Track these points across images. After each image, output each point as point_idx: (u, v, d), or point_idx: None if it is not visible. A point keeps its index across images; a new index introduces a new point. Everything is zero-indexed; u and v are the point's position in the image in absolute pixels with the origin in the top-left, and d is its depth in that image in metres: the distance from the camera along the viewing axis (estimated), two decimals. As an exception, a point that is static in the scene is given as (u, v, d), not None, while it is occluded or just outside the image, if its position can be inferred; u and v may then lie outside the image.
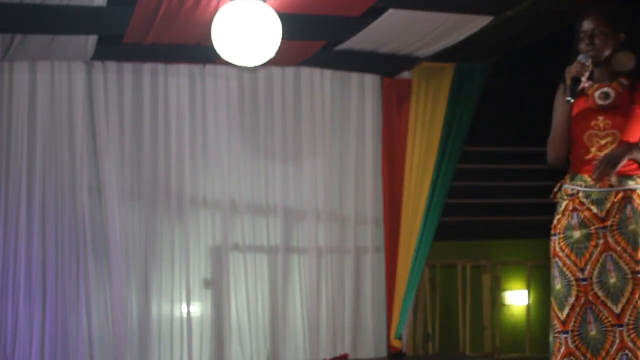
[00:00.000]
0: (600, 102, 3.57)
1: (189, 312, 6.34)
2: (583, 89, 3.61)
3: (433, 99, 6.54)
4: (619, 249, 3.48)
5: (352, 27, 5.72)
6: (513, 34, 5.90)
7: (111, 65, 6.30)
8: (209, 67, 6.45)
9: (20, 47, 5.75)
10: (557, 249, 3.58)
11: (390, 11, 5.37)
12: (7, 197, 6.07)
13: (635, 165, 3.53)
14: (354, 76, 6.78)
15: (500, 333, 7.38)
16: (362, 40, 5.94)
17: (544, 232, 9.63)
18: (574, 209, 3.56)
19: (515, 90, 10.27)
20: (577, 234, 3.54)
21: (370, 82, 6.80)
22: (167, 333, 6.31)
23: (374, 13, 5.43)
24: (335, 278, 6.67)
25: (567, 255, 3.54)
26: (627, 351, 3.44)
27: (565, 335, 3.51)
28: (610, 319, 3.46)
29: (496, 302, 7.48)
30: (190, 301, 6.35)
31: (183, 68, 6.43)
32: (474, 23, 5.57)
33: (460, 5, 5.32)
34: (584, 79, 3.55)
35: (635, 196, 3.52)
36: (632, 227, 3.50)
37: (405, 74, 6.66)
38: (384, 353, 6.67)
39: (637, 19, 3.68)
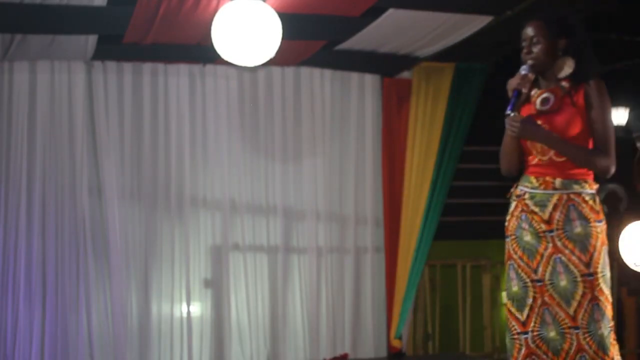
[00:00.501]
0: (540, 107, 3.56)
1: (189, 312, 6.34)
2: (529, 96, 3.60)
3: (433, 99, 6.54)
4: (567, 252, 3.46)
5: (352, 27, 5.72)
6: (513, 34, 5.90)
7: (111, 65, 6.30)
8: (209, 67, 6.45)
9: (20, 47, 5.75)
10: (511, 251, 3.58)
11: (390, 11, 5.37)
12: (7, 197, 6.07)
13: (581, 170, 3.52)
14: (354, 76, 6.78)
15: (500, 333, 7.37)
16: (362, 40, 5.94)
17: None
18: (522, 211, 3.57)
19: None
20: (527, 236, 3.53)
21: (370, 82, 6.80)
22: (167, 333, 6.31)
23: (374, 13, 5.43)
24: (335, 278, 6.67)
25: (520, 257, 3.54)
26: (584, 354, 3.43)
27: (525, 336, 3.49)
28: (567, 320, 3.45)
29: (496, 302, 7.48)
30: (190, 301, 6.35)
31: (183, 68, 6.43)
32: (474, 23, 5.57)
33: (460, 5, 5.33)
34: (524, 90, 3.54)
35: (580, 200, 3.50)
36: (577, 230, 3.48)
37: (405, 74, 6.66)
38: (384, 353, 6.67)
39: (579, 24, 3.67)
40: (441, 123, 6.50)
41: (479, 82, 6.52)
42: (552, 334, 3.46)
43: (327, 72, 6.72)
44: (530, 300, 3.49)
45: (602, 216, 3.53)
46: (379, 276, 6.74)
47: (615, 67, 10.17)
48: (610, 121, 3.55)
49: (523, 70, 3.58)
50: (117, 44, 5.84)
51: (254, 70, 6.45)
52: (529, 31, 3.63)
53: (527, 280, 3.50)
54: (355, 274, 6.71)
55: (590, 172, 3.54)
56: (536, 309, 3.49)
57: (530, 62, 3.58)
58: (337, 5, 5.29)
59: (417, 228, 6.52)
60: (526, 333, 3.50)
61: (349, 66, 6.66)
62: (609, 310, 3.47)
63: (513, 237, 3.59)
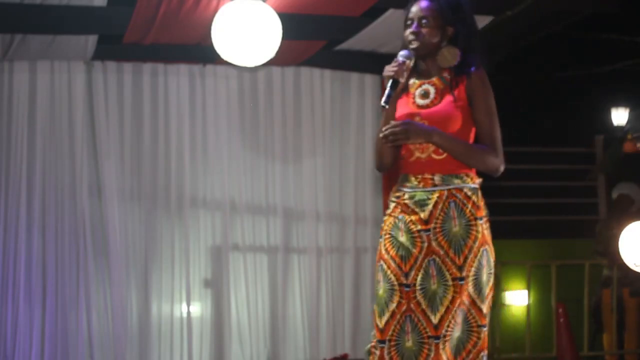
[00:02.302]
0: (419, 101, 3.27)
1: (189, 312, 6.34)
2: (407, 86, 3.31)
3: (433, 99, 6.53)
4: (442, 252, 3.19)
5: (352, 27, 5.72)
6: (513, 34, 5.91)
7: (111, 65, 6.30)
8: (209, 67, 6.45)
9: (20, 47, 5.75)
10: (383, 251, 3.25)
11: (390, 11, 5.37)
12: (7, 197, 6.07)
13: (461, 164, 3.24)
14: (354, 76, 6.78)
15: (500, 333, 7.38)
16: (362, 40, 5.94)
17: (544, 232, 9.65)
18: (401, 211, 3.25)
19: (515, 90, 10.28)
20: (402, 237, 3.22)
21: (370, 82, 6.80)
22: (167, 333, 6.31)
23: (374, 13, 5.43)
24: (335, 278, 6.67)
25: (392, 258, 3.22)
26: None
27: (382, 345, 3.22)
28: (427, 329, 3.17)
29: (496, 302, 7.48)
30: (190, 301, 6.35)
31: (183, 68, 6.43)
32: (474, 23, 5.56)
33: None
34: (402, 80, 3.23)
35: (461, 195, 3.22)
36: (455, 229, 3.21)
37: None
38: (384, 353, 6.66)
39: (471, 13, 3.35)
40: (441, 123, 6.49)
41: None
42: (409, 344, 3.19)
43: (327, 72, 6.72)
44: (393, 306, 3.20)
45: (484, 212, 3.30)
46: (379, 276, 6.74)
47: (615, 67, 10.18)
48: (496, 116, 3.30)
49: (402, 56, 3.26)
50: (117, 44, 5.84)
51: (254, 70, 6.45)
52: (419, 10, 3.31)
53: (395, 283, 3.20)
54: (355, 274, 6.71)
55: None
56: (397, 316, 3.20)
57: (415, 44, 3.28)
58: (337, 5, 5.29)
59: (417, 228, 6.51)
60: (383, 342, 3.23)
61: (349, 66, 6.66)
62: (481, 318, 3.24)
63: (388, 236, 3.26)
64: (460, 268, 3.21)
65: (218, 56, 5.00)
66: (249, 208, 6.55)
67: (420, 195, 3.25)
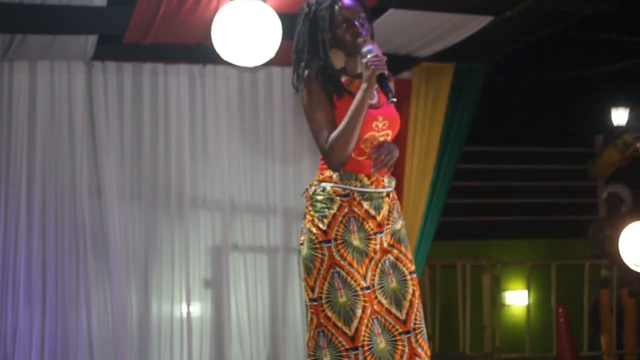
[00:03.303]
0: (369, 101, 3.21)
1: (189, 312, 6.33)
2: (343, 88, 3.23)
3: (433, 99, 6.54)
4: (395, 250, 3.24)
5: (352, 27, 5.70)
6: (513, 34, 5.91)
7: (111, 65, 6.29)
8: (209, 67, 6.45)
9: (20, 47, 5.75)
10: (338, 257, 3.16)
11: (390, 11, 5.37)
12: (7, 197, 6.06)
13: None
14: (354, 76, 6.77)
15: (500, 333, 7.38)
16: (362, 40, 5.93)
17: (544, 232, 9.64)
18: (350, 212, 3.20)
19: (515, 90, 10.28)
20: (356, 240, 3.18)
21: (370, 82, 6.79)
22: (167, 333, 6.31)
23: (374, 13, 5.41)
24: (335, 278, 6.66)
25: (349, 263, 3.15)
26: (417, 358, 3.20)
27: (355, 352, 3.13)
28: (397, 327, 3.20)
29: (496, 302, 7.48)
30: (190, 301, 6.35)
31: (183, 68, 6.42)
32: (474, 23, 5.57)
33: (460, 5, 5.33)
34: (387, 72, 3.19)
35: (396, 196, 3.32)
36: (398, 227, 3.27)
37: (405, 74, 6.66)
38: (384, 353, 6.66)
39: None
40: (441, 123, 6.50)
41: (479, 82, 6.52)
42: (382, 345, 3.18)
43: (327, 72, 6.71)
44: (359, 312, 3.14)
45: None
46: (379, 276, 6.74)
47: (615, 67, 10.18)
48: None
49: (373, 51, 3.16)
50: (117, 44, 5.84)
51: (254, 70, 6.45)
52: (356, 7, 3.25)
53: (357, 288, 3.15)
54: (355, 274, 6.71)
55: None
56: (365, 320, 3.16)
57: (369, 40, 3.22)
58: (337, 5, 5.28)
59: (417, 228, 6.52)
60: (356, 349, 3.14)
61: (349, 66, 6.65)
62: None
63: (340, 241, 3.18)
64: (411, 262, 3.28)
65: (218, 56, 5.00)
66: (248, 208, 6.55)
67: (375, 197, 3.23)
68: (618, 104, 10.22)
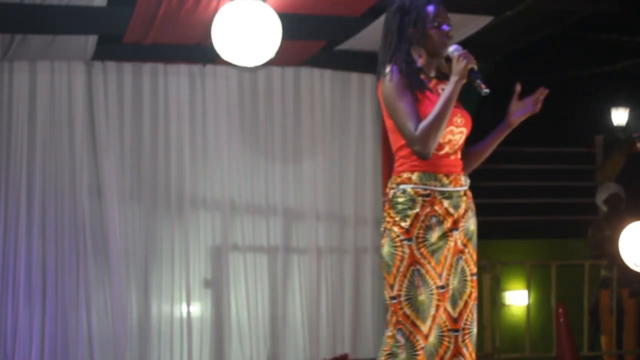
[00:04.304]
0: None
1: (189, 312, 6.34)
2: (425, 86, 3.31)
3: (433, 99, 6.53)
4: (466, 250, 3.28)
5: (352, 27, 5.72)
6: (513, 34, 5.91)
7: (111, 65, 6.30)
8: (209, 67, 6.45)
9: (20, 47, 5.75)
10: (418, 255, 3.19)
11: (391, 11, 5.36)
12: (7, 198, 6.07)
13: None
14: (354, 76, 6.78)
15: (500, 333, 7.37)
16: (362, 40, 5.94)
17: (544, 232, 9.63)
18: (432, 211, 3.22)
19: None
20: (435, 239, 3.21)
21: (370, 82, 6.79)
22: (167, 333, 6.31)
23: (374, 13, 5.43)
24: (335, 278, 6.67)
25: (428, 262, 3.20)
26: (461, 357, 3.24)
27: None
28: (447, 323, 3.25)
29: (496, 302, 7.48)
30: (190, 301, 6.35)
31: (183, 68, 6.43)
32: (474, 23, 5.57)
33: (460, 5, 5.32)
34: (476, 67, 3.28)
35: (470, 194, 3.33)
36: (472, 227, 3.31)
37: (406, 74, 6.65)
38: (384, 353, 6.66)
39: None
40: (441, 123, 6.49)
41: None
42: (431, 339, 3.24)
43: (327, 73, 6.72)
44: (433, 310, 3.20)
45: None
46: (379, 276, 6.73)
47: (615, 67, 10.17)
48: None
49: (458, 49, 3.31)
50: (117, 44, 5.85)
51: (254, 70, 6.45)
52: (445, 12, 3.38)
53: (434, 287, 3.20)
54: (355, 274, 6.71)
55: None
56: (437, 319, 3.22)
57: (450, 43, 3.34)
58: (337, 5, 5.29)
59: (417, 228, 6.51)
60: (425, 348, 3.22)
61: (349, 66, 6.66)
62: None
63: (421, 240, 3.21)
64: (475, 264, 3.32)
65: (218, 56, 5.00)
66: (248, 208, 6.55)
67: (454, 196, 3.27)
68: (618, 104, 10.21)
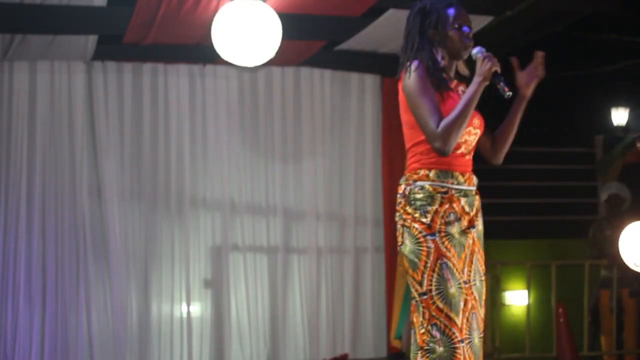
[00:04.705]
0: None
1: (189, 312, 6.34)
2: (448, 85, 3.34)
3: (433, 99, 6.53)
4: (477, 249, 3.29)
5: (352, 27, 5.72)
6: (513, 34, 5.91)
7: (111, 65, 6.30)
8: (209, 67, 6.46)
9: (20, 47, 5.75)
10: (443, 249, 3.18)
11: (390, 11, 5.37)
12: (7, 197, 6.07)
13: None
14: (354, 76, 6.78)
15: (500, 333, 7.37)
16: (362, 40, 5.94)
17: (544, 232, 9.63)
18: (450, 208, 3.22)
19: (515, 90, 10.27)
20: (456, 234, 3.22)
21: (370, 82, 6.80)
22: (167, 333, 6.31)
23: (374, 13, 5.43)
24: (335, 278, 6.67)
25: (453, 256, 3.20)
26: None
27: (462, 345, 3.18)
28: (481, 325, 3.28)
29: (496, 302, 7.48)
30: (190, 301, 6.36)
31: (183, 68, 6.43)
32: (474, 23, 5.53)
33: (460, 5, 5.32)
34: (499, 70, 3.30)
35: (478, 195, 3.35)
36: (481, 227, 3.33)
37: (406, 74, 6.65)
38: (383, 353, 6.67)
39: None
40: (441, 123, 6.49)
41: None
42: (476, 341, 3.23)
43: (327, 73, 6.72)
44: (462, 304, 3.19)
45: None
46: (379, 276, 6.74)
47: (615, 67, 10.17)
48: None
49: (482, 51, 3.33)
50: (117, 44, 5.85)
51: (254, 70, 6.45)
52: (465, 14, 3.42)
53: (460, 281, 3.20)
54: (355, 274, 6.71)
55: None
56: (466, 314, 3.21)
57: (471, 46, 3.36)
58: (337, 5, 5.29)
59: (417, 228, 6.51)
60: (463, 341, 3.19)
61: (349, 66, 6.66)
62: None
63: (444, 234, 3.20)
64: (484, 263, 3.33)
65: (218, 56, 5.00)
66: (248, 208, 6.55)
67: (469, 194, 3.29)
68: (618, 104, 10.22)
